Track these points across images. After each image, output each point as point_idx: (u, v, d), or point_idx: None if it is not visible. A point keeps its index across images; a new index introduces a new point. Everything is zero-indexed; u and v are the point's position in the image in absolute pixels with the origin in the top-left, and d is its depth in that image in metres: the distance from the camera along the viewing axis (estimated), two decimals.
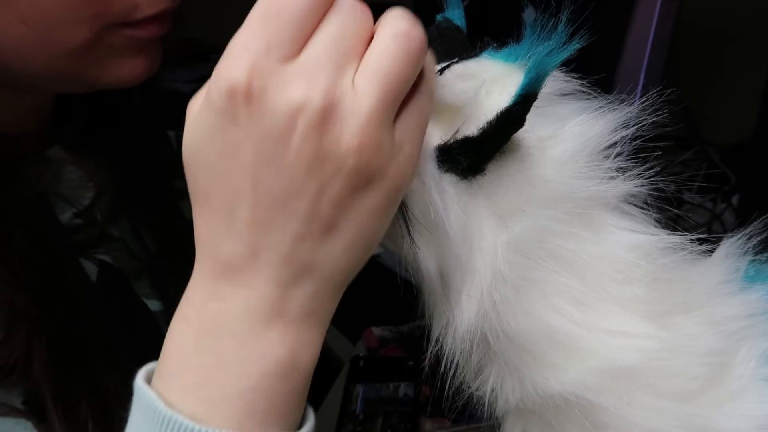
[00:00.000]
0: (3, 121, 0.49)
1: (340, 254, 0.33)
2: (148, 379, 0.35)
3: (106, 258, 0.56)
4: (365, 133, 0.31)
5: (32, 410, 0.47)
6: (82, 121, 0.58)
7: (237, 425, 0.33)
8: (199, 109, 0.32)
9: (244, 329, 0.33)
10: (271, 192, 0.32)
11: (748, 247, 0.42)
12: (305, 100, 0.30)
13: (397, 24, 0.32)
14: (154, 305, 0.59)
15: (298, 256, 0.32)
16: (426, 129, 0.35)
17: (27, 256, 0.48)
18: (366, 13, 0.33)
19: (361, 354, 0.82)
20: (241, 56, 0.31)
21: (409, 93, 0.33)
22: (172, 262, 0.59)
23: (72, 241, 0.54)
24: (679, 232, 0.40)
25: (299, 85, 0.30)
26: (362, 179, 0.32)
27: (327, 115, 0.31)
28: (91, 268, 0.55)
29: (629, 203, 0.40)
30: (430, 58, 0.34)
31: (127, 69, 0.49)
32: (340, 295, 0.36)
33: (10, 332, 0.45)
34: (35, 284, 0.47)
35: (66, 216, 0.54)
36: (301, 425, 0.35)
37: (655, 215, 0.40)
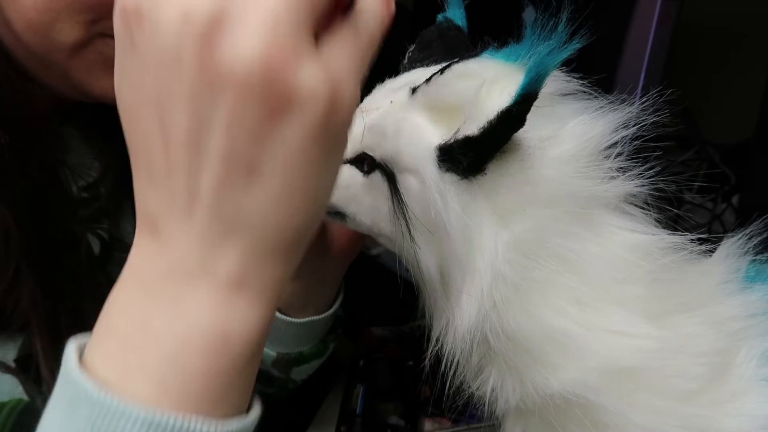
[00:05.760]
0: (29, 94, 0.51)
1: (270, 207, 0.29)
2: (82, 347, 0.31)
3: (105, 235, 0.57)
4: (270, 36, 0.26)
5: (23, 368, 0.47)
6: (91, 108, 0.59)
7: (150, 399, 0.28)
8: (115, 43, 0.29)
9: (170, 290, 0.29)
10: (178, 127, 0.28)
11: (749, 247, 0.42)
12: (190, 8, 0.26)
13: None
14: None
15: (221, 205, 0.28)
16: (362, 68, 0.30)
17: (33, 198, 0.48)
18: None
19: (361, 354, 0.82)
20: None
21: (340, 24, 0.29)
22: None
23: (77, 211, 0.55)
24: (680, 232, 0.40)
25: None
26: (279, 101, 0.27)
27: (216, 24, 0.26)
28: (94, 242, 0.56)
29: (630, 203, 0.40)
30: (380, 10, 0.31)
31: (110, 83, 0.50)
32: (288, 263, 0.31)
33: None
34: (33, 226, 0.48)
35: (73, 188, 0.56)
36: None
37: (656, 215, 0.40)
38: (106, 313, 0.31)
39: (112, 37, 0.48)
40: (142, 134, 0.29)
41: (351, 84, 0.29)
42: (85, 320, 0.50)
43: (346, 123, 0.29)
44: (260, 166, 0.28)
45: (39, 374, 0.48)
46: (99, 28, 0.48)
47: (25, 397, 0.47)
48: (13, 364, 0.47)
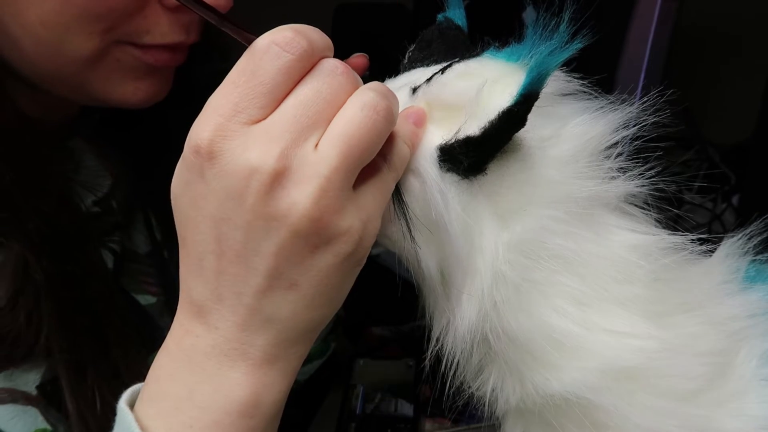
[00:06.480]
0: (29, 110, 0.50)
1: (301, 308, 0.34)
2: (132, 402, 0.36)
3: (116, 248, 0.57)
4: (322, 197, 0.32)
5: (46, 393, 0.47)
6: (99, 114, 0.59)
7: None
8: (180, 159, 0.34)
9: (212, 366, 0.35)
10: (232, 247, 0.33)
11: (749, 247, 0.42)
12: (259, 164, 0.32)
13: (367, 95, 0.34)
14: (146, 299, 0.59)
15: (261, 306, 0.34)
16: (387, 200, 0.36)
17: (46, 230, 0.48)
18: (347, 75, 0.34)
19: (361, 354, 0.82)
20: (210, 117, 0.33)
21: (374, 164, 0.35)
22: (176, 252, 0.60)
23: (90, 228, 0.54)
24: (680, 232, 0.40)
25: (256, 150, 0.32)
26: (321, 240, 0.33)
27: (279, 179, 0.32)
28: (107, 256, 0.56)
29: (630, 203, 0.40)
30: (401, 145, 0.36)
31: (130, 89, 0.50)
32: (311, 341, 0.37)
33: (17, 297, 0.46)
34: (51, 256, 0.48)
35: (85, 204, 0.55)
36: None
37: (656, 215, 0.40)
38: (156, 377, 0.36)
39: (127, 43, 0.48)
40: (198, 239, 0.34)
41: (377, 218, 0.35)
42: (108, 348, 0.50)
43: (369, 247, 0.35)
44: (297, 282, 0.34)
45: (63, 401, 0.47)
46: (114, 36, 0.46)
47: (48, 427, 0.47)
48: (35, 392, 0.47)
